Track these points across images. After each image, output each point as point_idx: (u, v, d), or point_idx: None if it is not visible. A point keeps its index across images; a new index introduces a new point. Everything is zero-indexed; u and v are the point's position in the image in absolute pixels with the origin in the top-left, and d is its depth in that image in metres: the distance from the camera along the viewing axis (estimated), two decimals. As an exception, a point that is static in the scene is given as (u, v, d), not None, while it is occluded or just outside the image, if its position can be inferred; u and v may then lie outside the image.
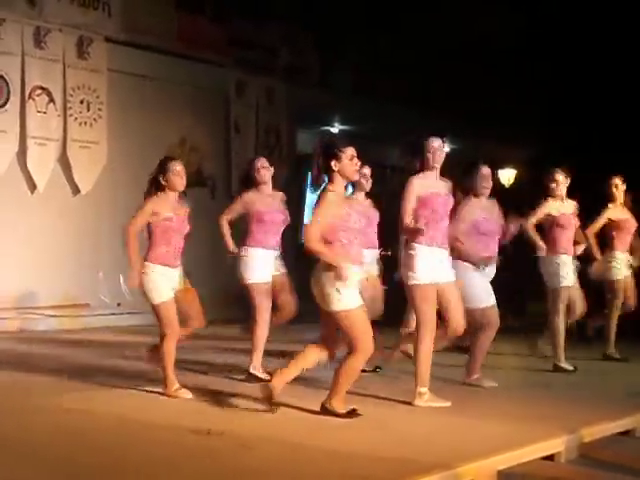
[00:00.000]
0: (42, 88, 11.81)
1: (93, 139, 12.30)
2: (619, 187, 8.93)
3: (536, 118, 17.43)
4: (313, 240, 5.58)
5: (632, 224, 9.01)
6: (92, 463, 4.76)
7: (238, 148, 14.51)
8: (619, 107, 16.57)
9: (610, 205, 8.92)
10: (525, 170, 18.04)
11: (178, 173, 6.61)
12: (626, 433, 6.13)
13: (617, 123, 16.61)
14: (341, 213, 5.66)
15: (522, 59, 17.23)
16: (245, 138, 14.65)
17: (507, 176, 18.72)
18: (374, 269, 7.56)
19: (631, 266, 9.01)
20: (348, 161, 5.66)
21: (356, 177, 5.93)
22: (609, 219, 8.90)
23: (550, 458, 5.35)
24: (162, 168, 6.63)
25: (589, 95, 17.03)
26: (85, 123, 12.26)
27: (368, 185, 7.71)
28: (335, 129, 16.59)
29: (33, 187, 11.85)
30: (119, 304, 12.33)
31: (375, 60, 16.40)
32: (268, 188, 7.42)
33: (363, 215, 6.10)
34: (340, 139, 6.03)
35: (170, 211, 6.51)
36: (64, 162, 12.12)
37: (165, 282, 6.41)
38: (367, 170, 7.59)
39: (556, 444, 5.41)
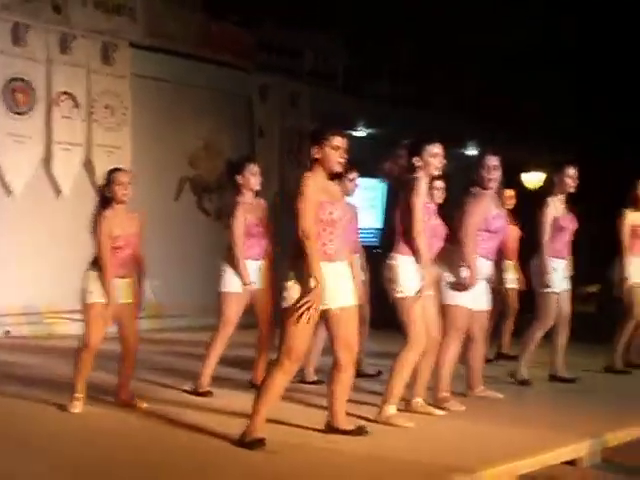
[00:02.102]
0: (67, 93, 11.89)
1: (117, 144, 12.34)
2: None
3: (566, 122, 17.33)
4: (311, 234, 5.02)
5: None
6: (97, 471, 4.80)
7: (262, 152, 14.53)
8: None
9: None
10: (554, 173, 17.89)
11: (123, 184, 6.25)
12: (651, 437, 6.07)
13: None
14: (320, 201, 5.10)
15: (550, 63, 17.13)
16: (269, 142, 14.66)
17: (533, 180, 18.59)
18: (360, 275, 7.16)
19: None
20: (331, 150, 5.19)
21: (337, 169, 5.24)
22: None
23: (572, 463, 5.31)
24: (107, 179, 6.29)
25: (621, 99, 16.92)
26: (109, 128, 12.34)
27: (353, 191, 7.31)
28: (361, 133, 16.57)
29: (58, 192, 11.93)
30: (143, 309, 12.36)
31: (401, 65, 16.40)
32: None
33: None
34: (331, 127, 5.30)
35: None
36: (89, 167, 12.18)
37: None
38: (354, 175, 7.26)
39: (578, 449, 5.37)
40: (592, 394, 7.31)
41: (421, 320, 5.80)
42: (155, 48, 12.94)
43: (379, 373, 7.71)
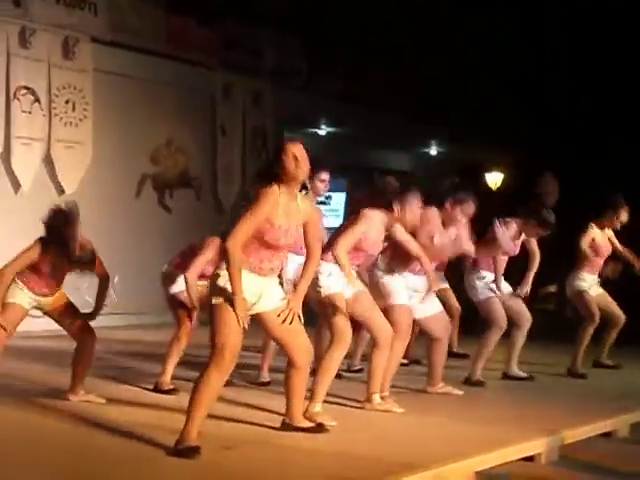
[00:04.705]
0: (27, 88, 11.76)
1: (78, 139, 12.23)
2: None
3: (523, 122, 17.45)
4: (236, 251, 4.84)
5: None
6: (70, 465, 4.74)
7: (224, 150, 14.49)
8: (605, 111, 16.66)
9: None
10: (512, 173, 18.06)
11: None
12: (608, 435, 6.13)
13: (603, 127, 16.68)
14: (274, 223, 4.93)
15: (508, 64, 17.25)
16: (231, 140, 14.62)
17: (494, 180, 18.74)
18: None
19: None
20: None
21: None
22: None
23: (531, 459, 5.34)
24: None
25: (575, 99, 17.09)
26: (70, 123, 12.20)
27: (324, 191, 7.22)
28: (322, 131, 16.57)
29: (18, 187, 11.79)
30: (105, 305, 12.26)
31: (362, 64, 16.43)
32: None
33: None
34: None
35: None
36: (49, 162, 12.07)
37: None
38: (325, 175, 7.08)
39: (537, 445, 5.40)
40: (549, 391, 7.38)
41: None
42: (117, 43, 12.85)
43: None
